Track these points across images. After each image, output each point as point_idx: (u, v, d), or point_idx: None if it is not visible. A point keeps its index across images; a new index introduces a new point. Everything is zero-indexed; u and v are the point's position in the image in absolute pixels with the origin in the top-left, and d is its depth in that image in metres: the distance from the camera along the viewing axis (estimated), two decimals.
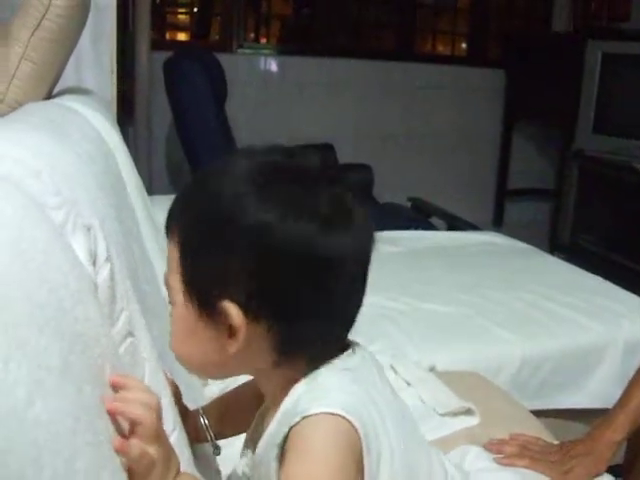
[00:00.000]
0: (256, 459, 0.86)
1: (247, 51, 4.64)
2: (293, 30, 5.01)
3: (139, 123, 3.75)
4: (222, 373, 0.90)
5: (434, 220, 3.79)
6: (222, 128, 3.52)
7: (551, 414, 2.00)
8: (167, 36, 4.74)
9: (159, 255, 1.38)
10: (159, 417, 0.73)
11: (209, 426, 1.00)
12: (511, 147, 5.21)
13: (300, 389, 0.81)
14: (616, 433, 1.42)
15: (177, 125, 3.58)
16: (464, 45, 5.38)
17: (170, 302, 0.82)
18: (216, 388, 1.47)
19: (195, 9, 4.85)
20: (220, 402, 1.07)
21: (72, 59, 1.58)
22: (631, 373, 1.59)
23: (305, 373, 0.81)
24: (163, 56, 3.59)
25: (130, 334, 0.75)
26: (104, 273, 0.70)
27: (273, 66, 4.64)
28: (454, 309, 2.17)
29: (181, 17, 4.93)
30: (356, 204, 0.81)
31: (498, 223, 5.26)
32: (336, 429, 0.76)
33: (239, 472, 0.92)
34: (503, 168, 5.25)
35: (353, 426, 0.77)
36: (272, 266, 0.76)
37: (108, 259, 0.71)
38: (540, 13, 5.33)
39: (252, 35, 4.85)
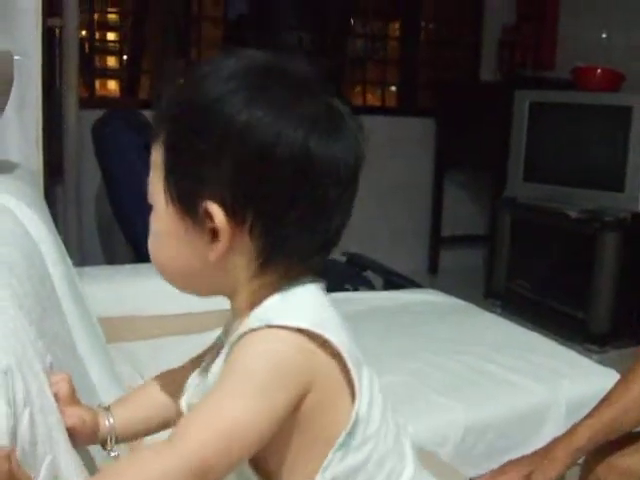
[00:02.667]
0: (209, 382, 0.83)
1: None
2: None
3: (68, 183, 3.67)
4: (199, 285, 0.85)
5: (369, 275, 3.77)
6: None
7: None
8: (96, 85, 4.67)
9: (89, 346, 1.32)
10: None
11: (114, 427, 0.91)
12: (443, 195, 5.26)
13: (272, 300, 0.79)
14: (572, 441, 1.43)
15: (107, 188, 3.51)
16: (394, 95, 5.44)
17: (151, 205, 0.81)
18: None
19: (125, 56, 4.81)
20: (128, 401, 0.98)
21: None
22: None
23: (280, 289, 0.80)
24: (92, 114, 3.53)
25: (55, 478, 0.69)
26: (24, 421, 0.65)
27: None
28: (392, 378, 2.12)
29: (110, 63, 4.88)
30: (347, 111, 0.81)
31: (433, 271, 5.29)
32: (289, 347, 0.75)
33: (184, 408, 0.87)
34: (436, 216, 5.30)
35: (325, 340, 0.76)
36: (258, 167, 0.75)
37: (27, 403, 0.66)
38: (468, 63, 5.42)
39: None
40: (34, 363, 0.74)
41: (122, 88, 4.82)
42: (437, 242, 5.32)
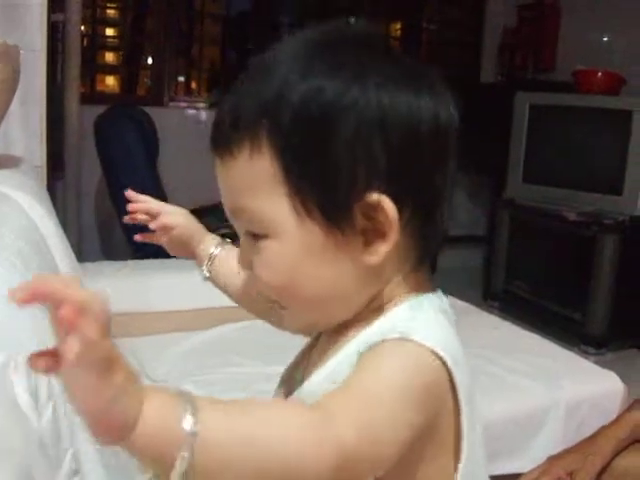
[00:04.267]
0: (303, 392, 0.73)
1: (180, 104, 4.61)
2: (224, 79, 5.01)
3: (68, 178, 3.68)
4: (340, 307, 0.73)
5: None
6: (153, 186, 3.46)
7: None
8: (97, 80, 4.67)
9: None
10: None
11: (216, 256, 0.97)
12: None
13: (401, 314, 0.70)
14: (619, 430, 1.44)
15: (108, 183, 3.51)
16: None
17: (261, 236, 0.69)
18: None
19: (124, 52, 4.82)
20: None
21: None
22: (573, 433, 1.61)
23: (404, 293, 0.72)
24: (93, 110, 3.53)
25: (76, 472, 0.70)
26: (47, 414, 0.65)
27: (205, 118, 4.61)
28: None
29: (110, 59, 4.88)
30: (436, 72, 0.76)
31: (432, 271, 5.28)
32: (424, 362, 0.66)
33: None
34: None
35: (446, 367, 0.67)
36: (408, 148, 0.67)
37: (51, 396, 0.67)
38: (469, 64, 5.43)
39: (184, 87, 4.84)
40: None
41: (122, 84, 4.82)
42: None
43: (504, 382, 2.15)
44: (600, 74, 4.32)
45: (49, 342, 0.75)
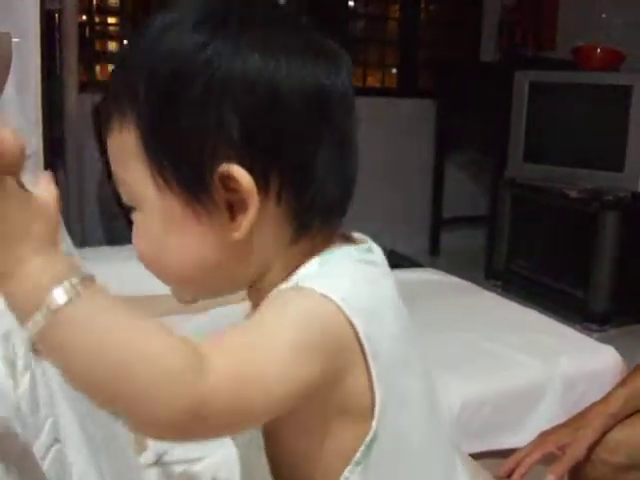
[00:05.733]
0: None
1: None
2: None
3: (69, 166, 3.69)
4: (220, 280, 0.72)
5: None
6: None
7: (493, 455, 2.00)
8: (97, 70, 4.68)
9: None
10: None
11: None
12: (444, 176, 5.26)
13: (310, 267, 0.69)
14: (609, 405, 1.46)
15: (108, 171, 3.51)
16: (394, 76, 5.44)
17: (131, 207, 0.69)
18: (151, 454, 1.43)
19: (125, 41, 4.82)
20: None
21: None
22: (571, 408, 1.62)
23: (317, 255, 0.69)
24: (94, 98, 3.54)
25: (56, 440, 0.72)
26: (24, 383, 0.67)
27: None
28: None
29: (111, 48, 4.88)
30: (329, 39, 0.72)
31: (435, 252, 5.30)
32: (324, 312, 0.64)
33: None
34: (437, 197, 5.31)
35: (350, 323, 0.64)
36: (271, 114, 0.65)
37: (27, 367, 0.68)
38: (468, 43, 5.42)
39: None
40: None
41: None
42: (438, 223, 5.34)
43: (502, 358, 2.16)
44: (599, 50, 4.31)
45: None
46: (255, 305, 0.73)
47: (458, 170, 5.32)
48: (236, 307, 2.51)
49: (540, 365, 2.15)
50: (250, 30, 0.66)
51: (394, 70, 5.44)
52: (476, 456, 1.72)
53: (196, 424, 0.57)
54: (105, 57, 4.74)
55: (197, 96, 0.64)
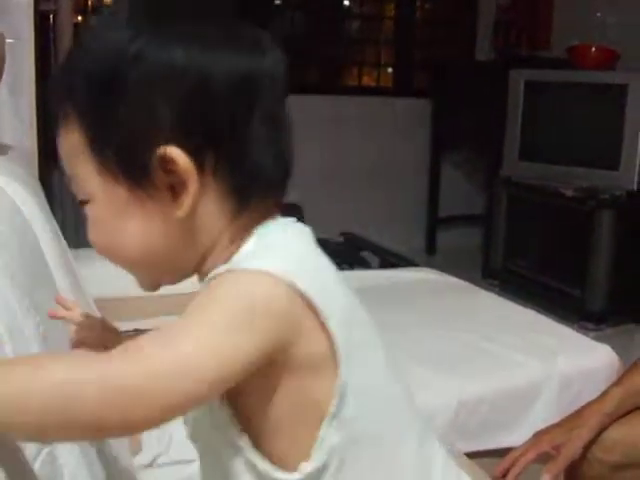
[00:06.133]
0: None
1: None
2: None
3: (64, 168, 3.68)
4: (169, 262, 0.75)
5: (366, 255, 3.79)
6: None
7: (490, 454, 2.00)
8: None
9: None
10: None
11: None
12: (440, 175, 5.26)
13: (249, 245, 0.73)
14: (604, 404, 1.46)
15: None
16: (389, 75, 5.44)
17: (82, 200, 0.74)
18: (146, 456, 1.43)
19: None
20: None
21: None
22: (567, 407, 1.62)
23: (255, 232, 0.74)
24: None
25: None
26: None
27: None
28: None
29: None
30: (254, 28, 0.76)
31: (431, 251, 5.30)
32: (259, 288, 0.67)
33: None
34: (433, 196, 5.31)
35: (295, 289, 0.67)
36: (201, 100, 0.69)
37: None
38: (463, 42, 5.42)
39: None
40: (25, 330, 0.75)
41: None
42: (434, 223, 5.33)
43: (499, 357, 2.16)
44: (594, 49, 4.31)
45: (17, 316, 0.77)
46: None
47: (454, 169, 5.32)
48: None
49: (537, 364, 2.15)
50: (177, 23, 0.71)
51: (390, 69, 5.44)
52: (472, 455, 1.71)
53: (142, 416, 0.61)
54: None
55: (130, 88, 0.68)
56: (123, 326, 2.08)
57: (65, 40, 3.53)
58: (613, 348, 2.25)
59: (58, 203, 3.46)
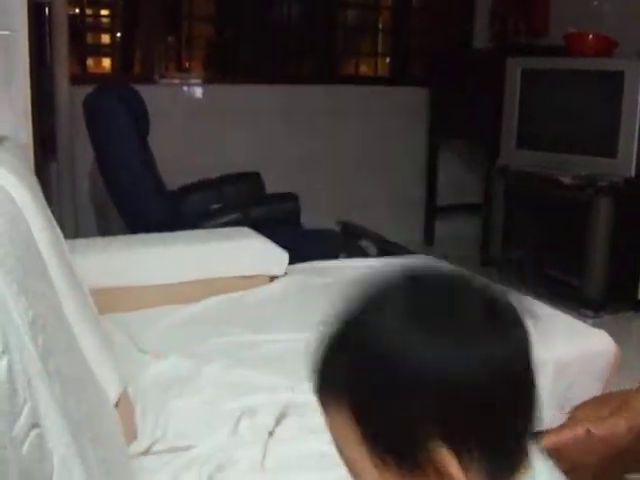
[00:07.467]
0: None
1: (172, 81, 4.61)
2: (216, 55, 5.00)
3: (61, 159, 3.69)
4: None
5: (364, 244, 3.78)
6: (146, 164, 3.46)
7: None
8: (88, 62, 4.67)
9: (79, 312, 1.34)
10: None
11: None
12: (437, 164, 5.26)
13: None
14: None
15: (99, 163, 3.50)
16: (386, 65, 5.43)
17: (353, 475, 0.75)
18: (141, 443, 1.44)
19: (118, 34, 4.81)
20: None
21: None
22: (563, 393, 1.57)
23: None
24: (84, 91, 3.53)
25: (35, 425, 0.72)
26: (2, 368, 0.66)
27: (196, 94, 4.61)
28: None
29: (103, 40, 4.88)
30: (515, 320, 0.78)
31: (429, 241, 5.30)
32: None
33: None
34: (431, 186, 5.30)
35: None
36: (471, 401, 0.70)
37: (5, 352, 0.68)
38: (460, 31, 5.41)
39: (175, 64, 4.83)
40: (14, 316, 0.75)
41: (113, 64, 4.81)
42: (432, 212, 5.33)
43: None
44: (592, 37, 4.30)
45: (6, 302, 0.77)
46: None
47: (451, 158, 5.32)
48: (219, 298, 2.52)
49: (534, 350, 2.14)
50: (444, 325, 0.72)
51: (387, 59, 5.43)
52: None
53: None
54: (97, 50, 4.73)
55: (400, 387, 0.69)
56: (120, 316, 2.10)
57: (61, 31, 3.53)
58: (612, 335, 2.24)
59: (55, 196, 3.47)
